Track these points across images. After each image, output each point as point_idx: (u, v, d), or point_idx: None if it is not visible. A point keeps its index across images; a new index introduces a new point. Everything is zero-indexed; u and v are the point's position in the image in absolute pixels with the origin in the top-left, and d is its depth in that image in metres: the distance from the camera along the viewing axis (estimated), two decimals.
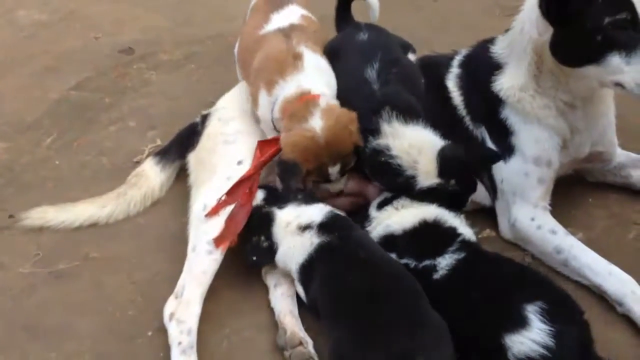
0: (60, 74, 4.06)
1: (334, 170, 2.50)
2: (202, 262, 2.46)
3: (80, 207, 2.92)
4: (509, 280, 2.15)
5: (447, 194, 2.42)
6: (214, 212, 2.52)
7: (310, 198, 2.51)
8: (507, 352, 1.97)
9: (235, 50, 3.14)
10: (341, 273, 2.22)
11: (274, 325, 2.42)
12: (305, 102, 2.50)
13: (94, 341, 2.45)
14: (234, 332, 2.44)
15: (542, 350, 1.93)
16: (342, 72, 2.71)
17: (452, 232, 2.33)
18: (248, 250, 2.47)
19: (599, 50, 2.32)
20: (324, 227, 2.36)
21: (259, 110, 2.68)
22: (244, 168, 2.61)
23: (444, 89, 2.80)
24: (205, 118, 2.95)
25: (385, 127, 2.47)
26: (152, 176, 3.00)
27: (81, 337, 2.47)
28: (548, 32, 2.43)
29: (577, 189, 2.89)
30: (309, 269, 2.32)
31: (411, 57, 2.91)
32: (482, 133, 2.71)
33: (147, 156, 3.17)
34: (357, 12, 3.12)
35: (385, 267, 2.23)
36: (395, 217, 2.42)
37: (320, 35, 2.86)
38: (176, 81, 3.92)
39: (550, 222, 2.58)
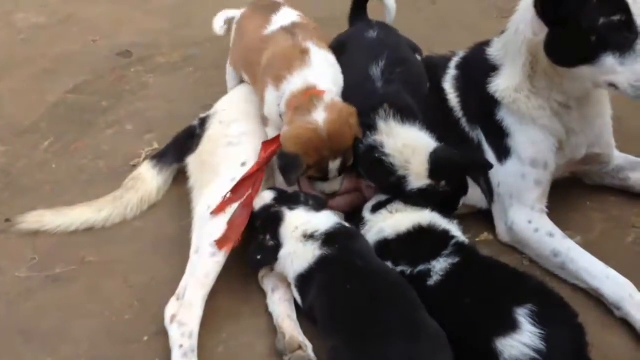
0: (57, 77, 4.06)
1: (334, 165, 2.50)
2: (205, 264, 2.46)
3: (77, 210, 2.91)
4: (502, 284, 2.14)
5: (438, 195, 2.42)
6: (220, 209, 2.51)
7: (320, 204, 2.50)
8: (499, 356, 1.96)
9: (227, 64, 3.20)
10: (339, 283, 2.21)
11: (272, 329, 2.42)
12: (309, 96, 2.51)
13: (90, 345, 2.45)
14: (231, 337, 2.44)
15: (533, 354, 1.92)
16: (346, 65, 2.72)
17: (446, 235, 2.33)
18: (252, 249, 2.45)
19: (594, 50, 2.33)
20: (327, 238, 2.34)
21: (265, 107, 2.68)
22: (248, 169, 2.60)
23: (441, 90, 2.80)
24: (203, 121, 2.95)
25: (382, 125, 2.47)
26: (149, 179, 3.00)
27: (77, 341, 2.47)
28: (543, 32, 2.43)
29: (575, 192, 2.88)
30: (307, 279, 2.31)
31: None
32: (479, 135, 2.71)
33: (144, 159, 3.16)
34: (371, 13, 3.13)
35: (384, 276, 2.22)
36: (390, 221, 2.42)
37: (320, 32, 2.88)
38: (174, 84, 3.92)
39: (548, 225, 2.58)
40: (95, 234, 2.88)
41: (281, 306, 2.46)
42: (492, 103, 2.64)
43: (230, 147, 2.75)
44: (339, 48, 2.81)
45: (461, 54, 2.87)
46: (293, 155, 2.45)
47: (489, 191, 2.69)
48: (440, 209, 2.42)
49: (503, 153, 2.62)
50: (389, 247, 2.36)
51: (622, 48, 2.29)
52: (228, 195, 2.53)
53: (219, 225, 2.49)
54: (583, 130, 2.64)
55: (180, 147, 3.00)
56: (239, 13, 3.20)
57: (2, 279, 2.74)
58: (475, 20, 4.20)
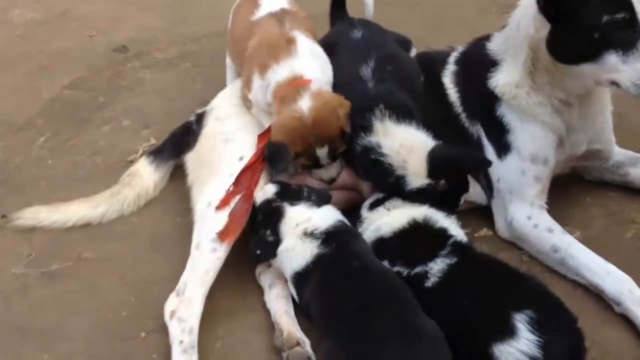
0: (54, 73, 4.04)
1: (321, 152, 2.50)
2: (205, 260, 2.44)
3: (73, 207, 2.90)
4: (500, 287, 2.11)
5: (438, 194, 2.41)
6: (224, 203, 2.50)
7: (322, 198, 2.48)
8: None
9: (226, 58, 3.20)
10: (335, 283, 2.19)
11: (269, 326, 2.41)
12: (295, 86, 2.51)
13: (87, 342, 2.44)
14: (228, 333, 2.43)
15: None
16: (335, 69, 2.70)
17: (443, 234, 2.31)
18: (252, 244, 2.43)
19: (596, 48, 2.32)
20: (327, 237, 2.32)
21: (251, 93, 2.68)
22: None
23: (440, 85, 2.79)
24: (200, 117, 2.93)
25: (378, 125, 2.46)
26: (145, 175, 2.98)
27: (74, 338, 2.46)
28: (545, 28, 2.41)
29: (574, 187, 2.88)
30: (304, 277, 2.29)
31: (410, 52, 2.91)
32: (478, 130, 2.70)
33: (141, 155, 3.14)
34: (351, 9, 3.10)
35: (380, 277, 2.20)
36: (386, 218, 2.41)
37: (310, 22, 2.88)
38: (170, 80, 3.90)
39: (547, 220, 2.57)
40: (92, 230, 2.87)
41: (279, 303, 2.45)
42: (492, 99, 2.63)
43: (227, 143, 2.73)
44: (325, 50, 2.77)
45: (460, 49, 2.86)
46: (280, 144, 2.46)
47: (488, 187, 2.68)
48: (441, 207, 2.40)
49: (503, 149, 2.61)
50: (385, 245, 2.35)
51: (625, 46, 2.28)
52: (231, 189, 2.52)
53: (220, 221, 2.47)
54: (583, 127, 2.63)
55: (177, 143, 2.99)
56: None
57: None
58: (473, 16, 4.18)
